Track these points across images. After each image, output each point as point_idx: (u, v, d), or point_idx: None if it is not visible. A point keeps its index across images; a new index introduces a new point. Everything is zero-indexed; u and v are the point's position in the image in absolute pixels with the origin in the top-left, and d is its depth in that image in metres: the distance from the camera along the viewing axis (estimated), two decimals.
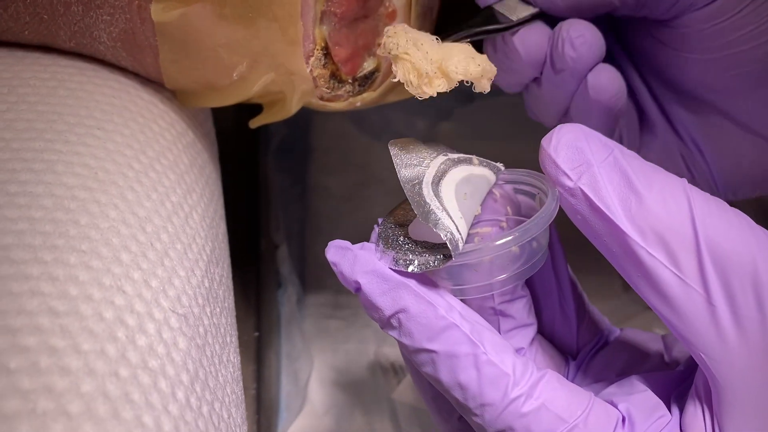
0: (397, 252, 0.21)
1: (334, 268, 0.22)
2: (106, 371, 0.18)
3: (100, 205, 0.22)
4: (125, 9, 0.26)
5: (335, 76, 0.28)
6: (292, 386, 0.39)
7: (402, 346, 0.21)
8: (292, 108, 0.28)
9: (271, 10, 0.25)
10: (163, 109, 0.28)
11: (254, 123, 0.31)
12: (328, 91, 0.28)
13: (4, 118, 0.24)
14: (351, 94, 0.29)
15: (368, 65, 0.29)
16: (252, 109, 0.52)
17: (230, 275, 0.28)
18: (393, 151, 0.24)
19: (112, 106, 0.26)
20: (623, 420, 0.20)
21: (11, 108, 0.24)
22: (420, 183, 0.22)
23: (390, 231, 0.23)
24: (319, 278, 0.48)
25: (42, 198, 0.21)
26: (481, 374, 0.20)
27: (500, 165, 0.24)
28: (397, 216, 0.24)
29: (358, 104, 0.30)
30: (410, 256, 0.21)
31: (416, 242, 0.22)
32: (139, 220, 0.23)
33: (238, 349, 0.26)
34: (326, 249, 0.22)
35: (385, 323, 0.21)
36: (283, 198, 0.51)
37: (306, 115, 0.58)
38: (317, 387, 0.41)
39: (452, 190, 0.22)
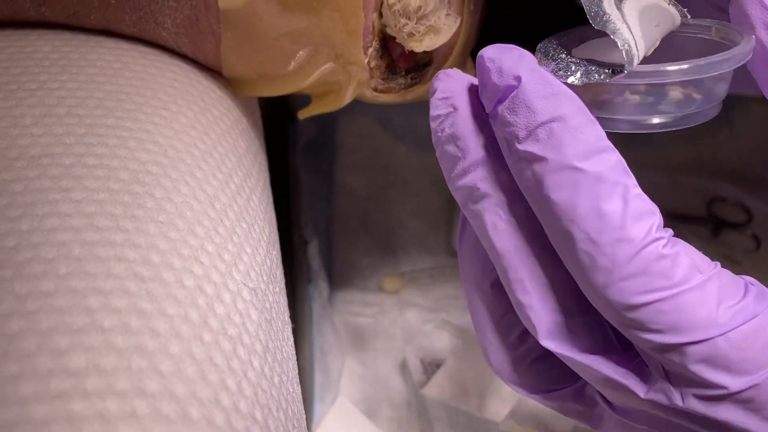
0: (557, 63, 0.20)
1: (489, 65, 0.20)
2: (191, 335, 0.18)
3: (172, 181, 0.22)
4: None
5: (390, 68, 0.29)
6: (325, 378, 0.39)
7: (531, 161, 0.19)
8: (346, 98, 0.29)
9: None
10: (220, 95, 0.29)
11: (304, 114, 0.31)
12: (383, 82, 0.29)
13: (75, 95, 0.24)
14: (403, 86, 0.30)
15: (421, 59, 0.30)
16: (282, 105, 0.52)
17: (281, 259, 0.29)
18: None
19: (175, 89, 0.27)
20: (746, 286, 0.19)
21: (81, 87, 0.25)
22: None
23: (552, 48, 0.21)
24: (346, 276, 0.48)
25: (119, 171, 0.22)
26: (628, 207, 0.18)
27: (686, 11, 0.23)
28: (561, 39, 0.22)
29: (409, 97, 0.30)
30: (573, 67, 0.20)
31: (581, 59, 0.21)
32: (209, 197, 0.23)
33: (291, 329, 0.26)
34: (483, 50, 0.20)
35: (530, 132, 0.19)
36: (311, 196, 0.51)
37: (333, 115, 0.59)
38: (347, 381, 0.41)
39: (636, 11, 0.20)
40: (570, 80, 0.20)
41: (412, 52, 0.29)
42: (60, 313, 0.17)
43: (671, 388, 0.18)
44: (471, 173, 0.21)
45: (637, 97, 0.21)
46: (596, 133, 0.19)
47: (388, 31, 0.27)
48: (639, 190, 0.18)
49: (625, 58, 0.19)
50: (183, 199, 0.22)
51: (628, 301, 0.18)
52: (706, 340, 0.18)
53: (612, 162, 0.18)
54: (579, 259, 0.18)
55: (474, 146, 0.21)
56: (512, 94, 0.19)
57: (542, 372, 0.22)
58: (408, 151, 0.56)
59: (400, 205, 0.53)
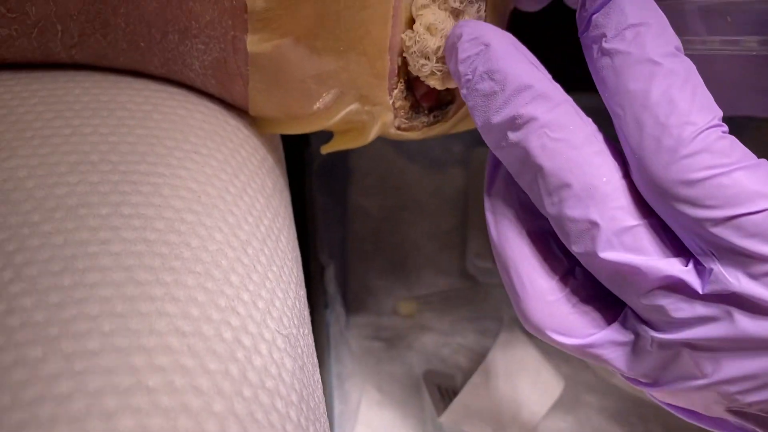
0: None
1: None
2: (233, 391, 0.18)
3: (206, 228, 0.23)
4: (220, 39, 0.27)
5: (414, 108, 0.29)
6: (344, 406, 0.40)
7: (614, 55, 0.21)
8: (370, 137, 0.29)
9: (361, 44, 0.27)
10: (247, 134, 0.29)
11: (326, 149, 0.32)
12: (407, 121, 0.29)
13: (108, 141, 0.25)
14: (426, 124, 0.30)
15: (444, 97, 0.30)
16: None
17: (306, 296, 0.29)
18: None
19: (204, 131, 0.27)
20: None
21: (113, 131, 0.25)
22: None
23: None
24: (360, 299, 0.49)
25: (154, 220, 0.22)
26: (695, 98, 0.20)
27: None
28: None
29: (431, 134, 0.31)
30: None
31: None
32: (241, 243, 0.23)
33: (319, 371, 0.27)
34: None
35: (618, 32, 0.21)
36: (325, 218, 0.52)
37: None
38: (365, 407, 0.41)
39: None
40: None
41: (435, 92, 0.29)
42: (107, 373, 0.17)
43: (723, 272, 0.20)
44: (512, 102, 0.22)
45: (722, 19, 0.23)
46: (676, 42, 0.21)
47: (411, 70, 0.28)
48: (706, 90, 0.21)
49: None
50: (218, 247, 0.22)
51: (689, 176, 0.20)
52: (761, 211, 0.19)
53: (687, 64, 0.21)
54: (644, 143, 0.20)
55: (514, 74, 0.22)
56: (609, 2, 0.22)
57: (584, 314, 0.23)
58: (420, 173, 0.56)
59: (413, 226, 0.53)
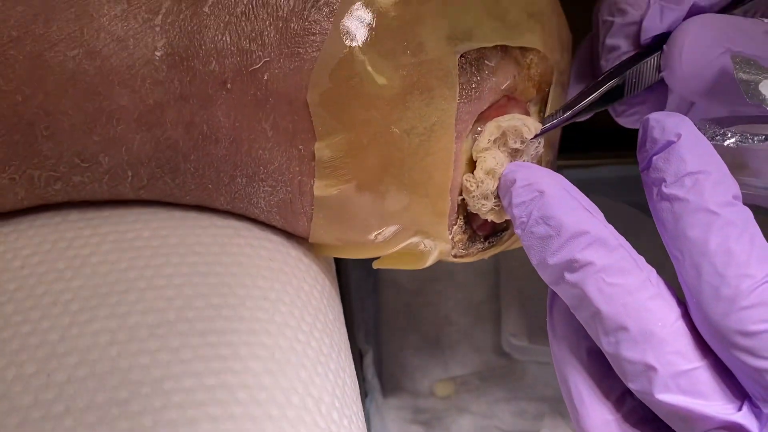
0: (714, 130, 0.23)
1: (653, 123, 0.23)
2: None
3: (283, 392, 0.23)
4: (287, 183, 0.27)
5: (471, 238, 0.30)
6: None
7: (673, 201, 0.22)
8: (427, 264, 0.30)
9: (424, 187, 0.27)
10: (308, 263, 0.29)
11: (378, 265, 0.32)
12: (464, 250, 0.30)
13: (183, 293, 0.25)
14: (480, 250, 0.31)
15: (499, 226, 0.30)
16: None
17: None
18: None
19: (271, 270, 0.27)
20: None
21: (186, 281, 0.25)
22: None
23: (707, 123, 0.24)
24: (397, 380, 0.49)
25: (236, 390, 0.22)
26: (753, 249, 0.21)
27: None
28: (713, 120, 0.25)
29: (486, 256, 0.31)
30: (729, 134, 0.23)
31: (736, 129, 0.23)
32: (315, 402, 0.24)
33: None
34: (649, 114, 0.23)
35: (677, 179, 0.22)
36: (358, 291, 0.52)
37: None
38: None
39: None
40: (726, 143, 0.23)
41: (492, 222, 0.30)
42: None
43: None
44: (568, 246, 0.23)
45: None
46: (735, 190, 0.22)
47: (470, 209, 0.28)
48: (764, 240, 0.21)
49: None
50: (296, 413, 0.23)
51: (746, 328, 0.20)
52: None
53: (744, 213, 0.22)
54: (702, 290, 0.21)
55: (569, 221, 0.23)
56: (669, 147, 0.22)
57: None
58: None
59: (445, 298, 0.54)
